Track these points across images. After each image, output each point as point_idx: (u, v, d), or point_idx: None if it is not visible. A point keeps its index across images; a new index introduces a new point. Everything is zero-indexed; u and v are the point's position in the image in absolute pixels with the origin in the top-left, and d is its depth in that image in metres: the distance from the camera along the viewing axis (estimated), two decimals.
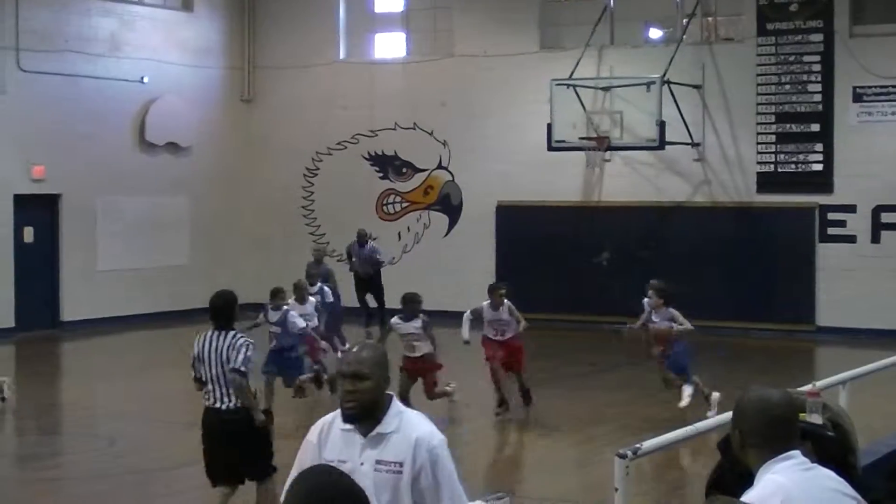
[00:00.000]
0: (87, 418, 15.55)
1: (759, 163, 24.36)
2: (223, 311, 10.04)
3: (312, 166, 28.49)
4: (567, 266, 25.22)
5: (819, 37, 23.79)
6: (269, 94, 29.03)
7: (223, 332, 9.93)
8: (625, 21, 25.67)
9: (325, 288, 18.78)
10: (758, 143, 24.35)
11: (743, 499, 4.03)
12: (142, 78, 26.48)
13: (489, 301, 15.73)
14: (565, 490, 12.70)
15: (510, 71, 26.13)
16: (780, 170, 24.20)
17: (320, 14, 28.38)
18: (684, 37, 24.46)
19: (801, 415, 4.71)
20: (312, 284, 18.39)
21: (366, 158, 28.05)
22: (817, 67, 23.83)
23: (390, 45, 28.52)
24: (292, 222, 28.18)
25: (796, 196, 23.93)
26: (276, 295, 16.11)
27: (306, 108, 28.31)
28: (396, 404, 5.14)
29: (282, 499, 3.67)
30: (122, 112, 26.17)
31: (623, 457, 7.02)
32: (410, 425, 5.08)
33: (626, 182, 25.30)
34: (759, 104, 24.28)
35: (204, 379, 9.95)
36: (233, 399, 9.86)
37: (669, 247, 24.61)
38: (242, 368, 9.79)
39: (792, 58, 24.01)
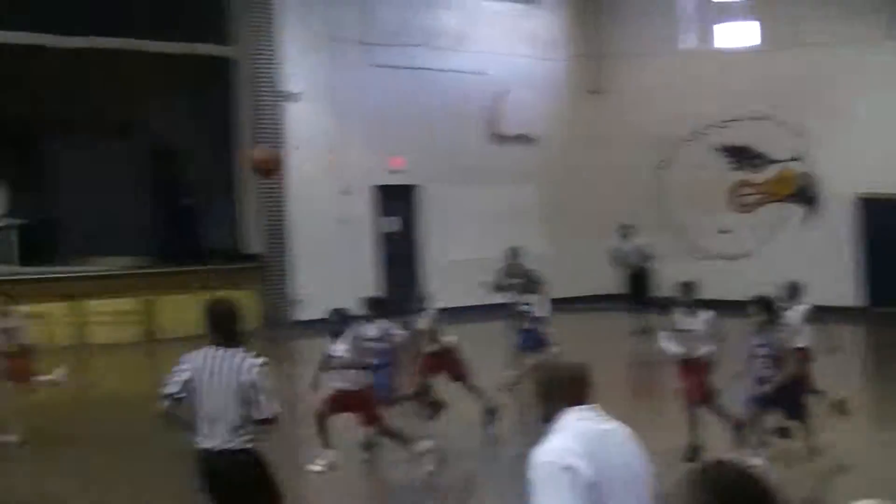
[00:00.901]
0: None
1: None
2: (226, 321, 7.91)
3: (662, 157, 28.09)
4: None
5: None
6: (615, 85, 28.86)
7: (228, 351, 7.82)
8: None
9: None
10: None
11: None
12: (486, 71, 26.92)
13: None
14: None
15: (864, 58, 24.97)
16: None
17: (664, 2, 27.98)
18: None
19: None
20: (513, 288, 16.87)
21: (717, 150, 27.45)
22: None
23: (737, 34, 27.73)
24: (642, 214, 27.68)
25: None
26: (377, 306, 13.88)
27: (654, 99, 27.97)
28: None
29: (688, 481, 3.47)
30: (471, 104, 26.77)
31: None
32: None
33: None
34: None
35: (198, 410, 7.83)
36: (238, 437, 7.80)
37: None
38: (270, 417, 7.77)
39: None
